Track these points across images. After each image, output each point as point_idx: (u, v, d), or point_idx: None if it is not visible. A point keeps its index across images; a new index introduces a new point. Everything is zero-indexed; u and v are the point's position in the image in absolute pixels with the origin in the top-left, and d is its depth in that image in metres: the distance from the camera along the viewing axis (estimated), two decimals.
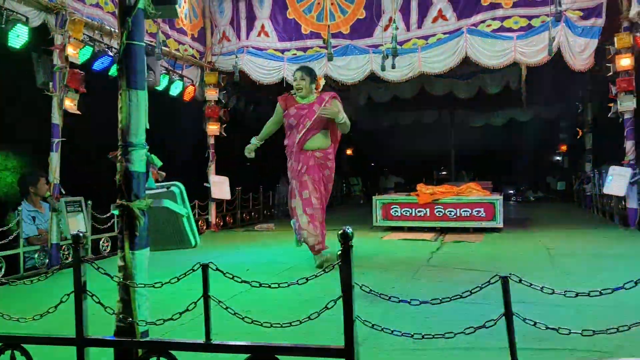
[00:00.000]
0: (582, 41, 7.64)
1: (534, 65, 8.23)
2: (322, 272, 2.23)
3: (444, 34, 8.28)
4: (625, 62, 7.44)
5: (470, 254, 6.10)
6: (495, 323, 2.03)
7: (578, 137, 13.47)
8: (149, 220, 2.47)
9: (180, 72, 8.60)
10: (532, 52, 7.85)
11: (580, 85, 12.24)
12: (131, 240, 2.40)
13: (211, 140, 9.47)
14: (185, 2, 8.64)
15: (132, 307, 2.37)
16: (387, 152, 19.03)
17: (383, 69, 8.20)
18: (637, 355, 2.59)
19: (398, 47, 7.44)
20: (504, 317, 2.02)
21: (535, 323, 2.04)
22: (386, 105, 13.28)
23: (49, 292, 3.01)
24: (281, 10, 8.99)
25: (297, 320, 2.20)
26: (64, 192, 5.90)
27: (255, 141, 5.75)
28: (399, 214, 8.43)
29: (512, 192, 16.56)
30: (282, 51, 9.04)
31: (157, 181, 5.79)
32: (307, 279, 2.24)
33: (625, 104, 7.50)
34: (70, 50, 5.91)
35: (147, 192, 2.53)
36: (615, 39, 7.47)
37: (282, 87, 8.53)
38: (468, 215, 8.12)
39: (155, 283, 2.39)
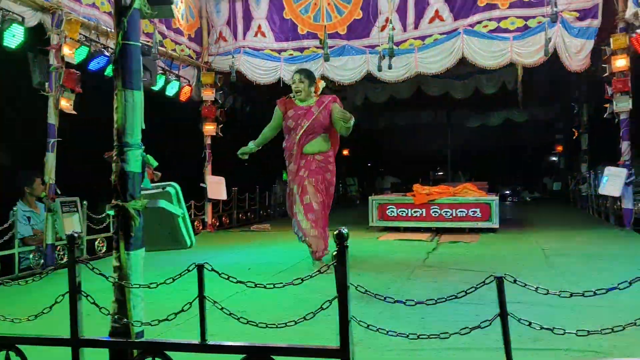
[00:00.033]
0: (578, 42, 7.67)
1: (530, 66, 8.28)
2: (317, 273, 2.24)
3: (441, 34, 8.29)
4: (620, 62, 7.46)
5: (466, 255, 6.11)
6: (491, 323, 2.04)
7: (574, 137, 13.54)
8: (144, 220, 2.47)
9: (176, 72, 8.58)
10: (528, 52, 7.88)
11: (576, 86, 12.31)
12: (126, 241, 2.40)
13: (207, 141, 9.45)
14: (181, 2, 8.62)
15: (127, 307, 2.37)
16: (384, 153, 19.06)
17: (380, 69, 8.22)
18: (631, 355, 2.60)
19: (395, 47, 7.48)
20: (499, 317, 2.03)
21: (530, 323, 2.04)
22: (383, 105, 13.31)
23: (44, 293, 3.01)
24: (278, 11, 8.98)
25: (293, 321, 2.21)
26: (59, 193, 5.89)
27: (252, 145, 5.58)
28: (395, 215, 8.42)
29: (508, 192, 16.56)
30: (279, 51, 9.03)
31: (152, 181, 5.80)
32: (302, 280, 2.24)
33: (621, 105, 7.53)
34: (66, 50, 5.89)
35: (143, 192, 2.53)
36: (611, 39, 7.49)
37: (279, 87, 8.54)
38: (464, 215, 8.13)
39: (151, 284, 2.39)
